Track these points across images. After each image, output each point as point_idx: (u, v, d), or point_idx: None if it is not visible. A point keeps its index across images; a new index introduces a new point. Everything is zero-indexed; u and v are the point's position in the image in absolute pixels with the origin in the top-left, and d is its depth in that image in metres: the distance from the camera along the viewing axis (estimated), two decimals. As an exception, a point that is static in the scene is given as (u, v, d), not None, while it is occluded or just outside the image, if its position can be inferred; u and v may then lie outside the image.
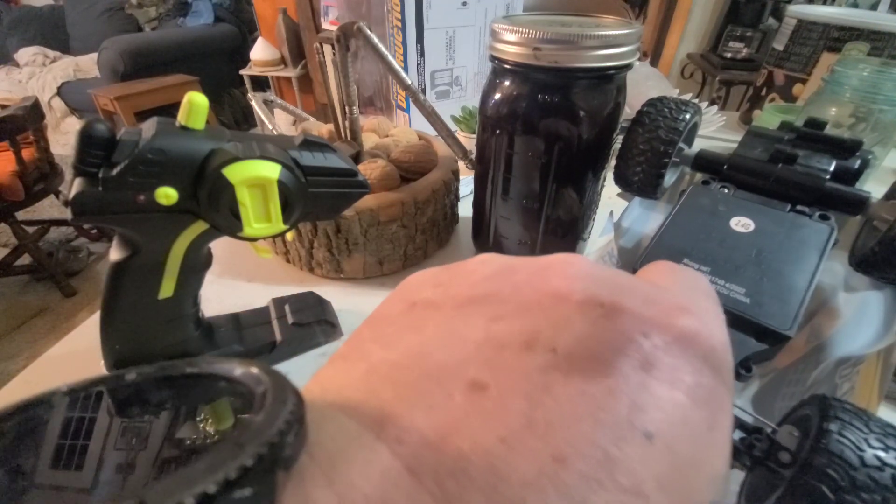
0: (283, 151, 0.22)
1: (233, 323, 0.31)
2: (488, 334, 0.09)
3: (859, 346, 0.23)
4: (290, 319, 0.32)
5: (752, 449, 0.18)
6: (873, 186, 0.26)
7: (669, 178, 0.33)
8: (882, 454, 0.15)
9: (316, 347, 0.34)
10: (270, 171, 0.20)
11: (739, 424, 0.19)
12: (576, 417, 0.08)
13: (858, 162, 0.26)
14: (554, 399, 0.08)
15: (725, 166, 0.28)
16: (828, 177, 0.25)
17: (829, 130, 0.28)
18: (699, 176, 0.30)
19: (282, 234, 0.23)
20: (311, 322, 0.33)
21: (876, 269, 0.24)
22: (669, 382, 0.08)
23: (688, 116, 0.29)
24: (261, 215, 0.21)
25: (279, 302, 0.34)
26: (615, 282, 0.10)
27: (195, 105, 0.19)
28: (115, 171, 0.18)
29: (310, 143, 0.23)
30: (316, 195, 0.23)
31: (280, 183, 0.21)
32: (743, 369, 0.21)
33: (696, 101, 0.42)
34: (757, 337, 0.21)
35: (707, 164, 0.30)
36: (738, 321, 0.21)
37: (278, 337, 0.31)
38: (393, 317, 0.11)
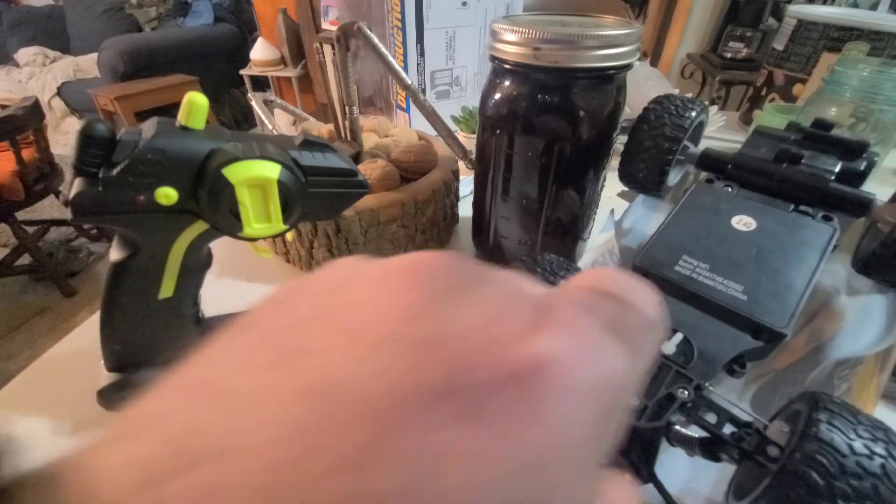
0: (283, 151, 0.22)
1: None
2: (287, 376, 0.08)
3: (860, 348, 0.23)
4: None
5: (741, 442, 0.18)
6: (873, 186, 0.26)
7: (674, 177, 0.33)
8: (870, 443, 0.15)
9: None
10: (270, 171, 0.20)
11: (730, 418, 0.19)
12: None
13: (864, 164, 0.26)
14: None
15: (729, 165, 0.28)
16: (832, 178, 0.25)
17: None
18: (703, 176, 0.30)
19: (282, 234, 0.23)
20: None
21: (878, 271, 0.24)
22: (486, 440, 0.07)
23: (693, 114, 0.29)
24: (261, 215, 0.21)
25: None
26: (451, 301, 0.08)
27: (195, 105, 0.19)
28: (115, 171, 0.18)
29: (310, 143, 0.23)
30: (316, 195, 0.23)
31: (280, 183, 0.21)
32: (737, 366, 0.21)
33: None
34: (752, 334, 0.21)
35: (711, 162, 0.30)
36: (733, 318, 0.21)
37: None
38: (229, 344, 0.09)
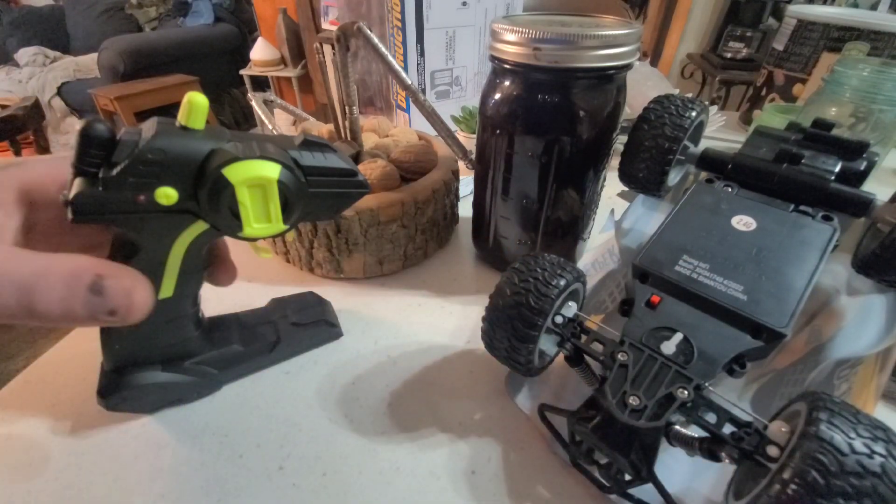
0: (283, 151, 0.22)
1: (233, 323, 0.31)
2: None
3: (860, 348, 0.23)
4: (290, 319, 0.32)
5: (741, 442, 0.18)
6: (873, 186, 0.26)
7: (674, 177, 0.33)
8: (870, 442, 0.15)
9: (316, 347, 0.34)
10: (270, 170, 0.20)
11: (729, 418, 0.19)
12: None
13: (864, 164, 0.26)
14: None
15: (730, 165, 0.28)
16: (833, 178, 0.25)
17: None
18: (703, 176, 0.30)
19: (282, 234, 0.23)
20: (311, 322, 0.33)
21: (878, 271, 0.24)
22: None
23: (693, 114, 0.29)
24: (261, 215, 0.21)
25: (279, 302, 0.34)
26: None
27: (195, 105, 0.19)
28: (115, 171, 0.18)
29: (310, 143, 0.23)
30: (316, 195, 0.23)
31: (280, 183, 0.21)
32: (737, 366, 0.21)
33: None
34: (752, 334, 0.21)
35: (712, 162, 0.30)
36: (733, 318, 0.22)
37: (278, 337, 0.31)
38: None
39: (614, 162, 0.33)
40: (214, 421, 0.28)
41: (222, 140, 0.20)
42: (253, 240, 0.23)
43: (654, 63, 2.01)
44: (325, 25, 1.89)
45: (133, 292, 0.19)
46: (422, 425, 0.28)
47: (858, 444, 0.15)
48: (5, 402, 0.30)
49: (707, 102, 0.36)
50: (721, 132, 0.71)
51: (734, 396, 0.27)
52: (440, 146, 0.45)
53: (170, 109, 2.03)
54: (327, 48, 0.50)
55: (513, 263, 0.26)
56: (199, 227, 0.22)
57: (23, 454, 0.26)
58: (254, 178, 0.20)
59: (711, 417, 0.19)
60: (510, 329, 0.24)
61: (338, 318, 0.35)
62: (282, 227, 0.22)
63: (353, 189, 0.24)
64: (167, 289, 0.24)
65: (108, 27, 2.43)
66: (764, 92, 0.76)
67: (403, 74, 0.36)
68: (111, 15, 2.47)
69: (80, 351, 0.33)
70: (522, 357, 0.25)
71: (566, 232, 0.38)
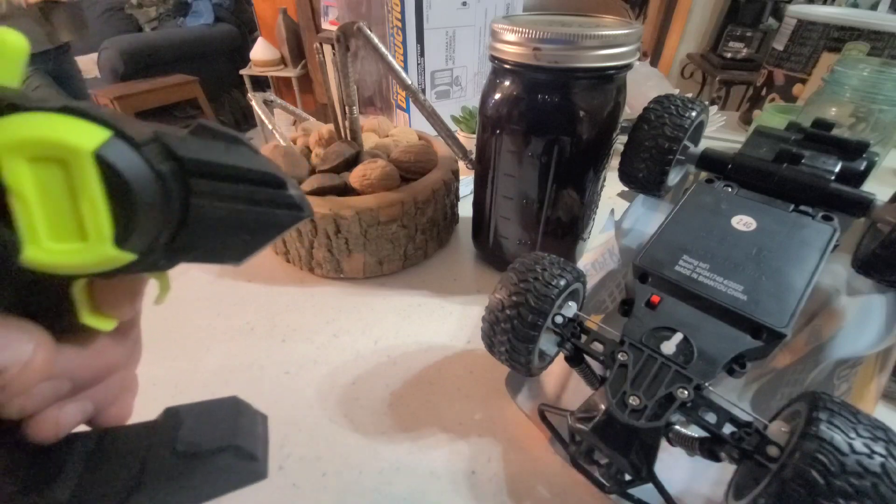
0: (134, 121, 0.11)
1: (81, 445, 0.16)
2: None
3: (860, 348, 0.23)
4: (171, 444, 0.16)
5: (741, 442, 0.18)
6: (873, 186, 0.26)
7: (674, 177, 0.33)
8: (870, 442, 0.15)
9: (217, 496, 0.16)
10: (80, 134, 0.10)
11: (730, 418, 0.19)
12: None
13: (864, 164, 0.26)
14: None
15: (730, 165, 0.28)
16: (833, 178, 0.25)
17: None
18: (703, 176, 0.31)
19: (126, 272, 0.12)
20: (209, 451, 0.16)
21: (878, 271, 0.24)
22: None
23: (693, 114, 0.29)
24: (64, 224, 0.11)
25: (173, 414, 0.17)
26: None
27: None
28: None
29: (207, 130, 0.12)
30: (208, 213, 0.12)
31: (101, 160, 0.10)
32: (737, 366, 0.21)
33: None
34: (752, 334, 0.21)
35: (712, 162, 0.30)
36: (733, 318, 0.22)
37: (141, 478, 0.15)
38: None
39: (614, 162, 0.33)
40: (214, 421, 0.28)
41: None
42: (60, 277, 0.11)
43: (654, 63, 2.01)
44: (325, 25, 1.89)
45: (27, 342, 0.11)
46: (422, 425, 0.28)
47: (858, 444, 0.15)
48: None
49: (707, 102, 0.36)
50: (721, 132, 0.71)
51: (734, 396, 0.27)
52: (440, 146, 0.45)
53: (170, 109, 2.03)
54: (327, 48, 0.50)
55: (513, 263, 0.26)
56: None
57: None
58: (40, 142, 0.10)
59: (711, 417, 0.19)
60: (510, 329, 0.24)
61: (268, 442, 0.18)
62: (112, 251, 0.11)
63: (279, 210, 0.13)
64: None
65: (108, 27, 2.43)
66: (764, 92, 0.76)
67: (403, 74, 0.36)
68: (111, 15, 2.47)
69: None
70: (522, 357, 0.25)
71: (566, 232, 0.38)
